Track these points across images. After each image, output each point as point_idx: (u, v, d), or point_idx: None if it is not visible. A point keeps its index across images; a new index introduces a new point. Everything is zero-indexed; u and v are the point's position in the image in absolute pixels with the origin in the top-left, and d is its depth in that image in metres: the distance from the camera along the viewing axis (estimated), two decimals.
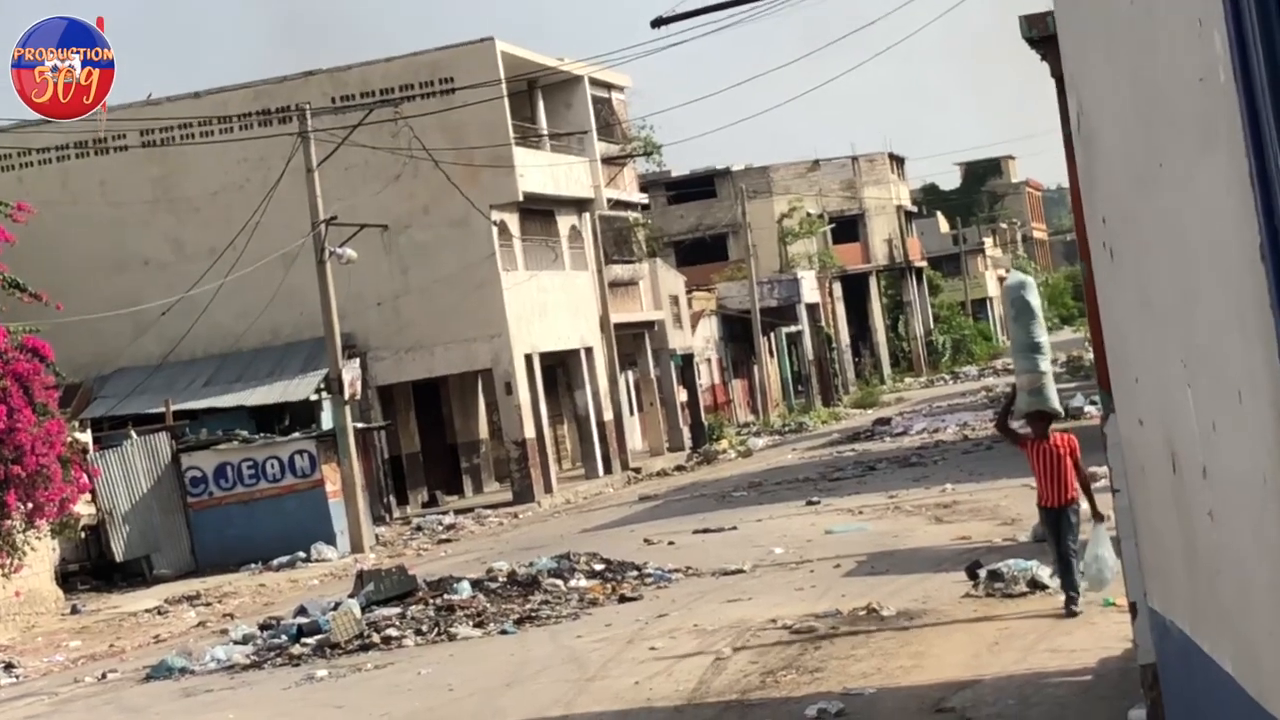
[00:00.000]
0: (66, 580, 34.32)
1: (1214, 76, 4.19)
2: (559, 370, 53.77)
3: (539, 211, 49.61)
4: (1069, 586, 17.09)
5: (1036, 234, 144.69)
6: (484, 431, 52.71)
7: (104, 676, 22.96)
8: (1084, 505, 17.35)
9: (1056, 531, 17.30)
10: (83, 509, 33.08)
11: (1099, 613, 16.49)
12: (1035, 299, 17.11)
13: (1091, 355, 57.44)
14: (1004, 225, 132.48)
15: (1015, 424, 18.21)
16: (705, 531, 30.45)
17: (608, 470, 50.81)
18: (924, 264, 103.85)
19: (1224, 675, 5.23)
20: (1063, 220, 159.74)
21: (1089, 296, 10.11)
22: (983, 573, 19.58)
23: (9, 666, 25.15)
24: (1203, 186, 4.47)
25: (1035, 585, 18.74)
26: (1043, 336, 16.95)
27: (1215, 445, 4.73)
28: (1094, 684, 14.04)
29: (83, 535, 34.80)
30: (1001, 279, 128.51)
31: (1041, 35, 13.44)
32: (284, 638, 22.73)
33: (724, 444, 57.24)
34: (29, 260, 35.39)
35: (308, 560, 35.54)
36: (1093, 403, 44.04)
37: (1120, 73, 5.61)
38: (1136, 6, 5.14)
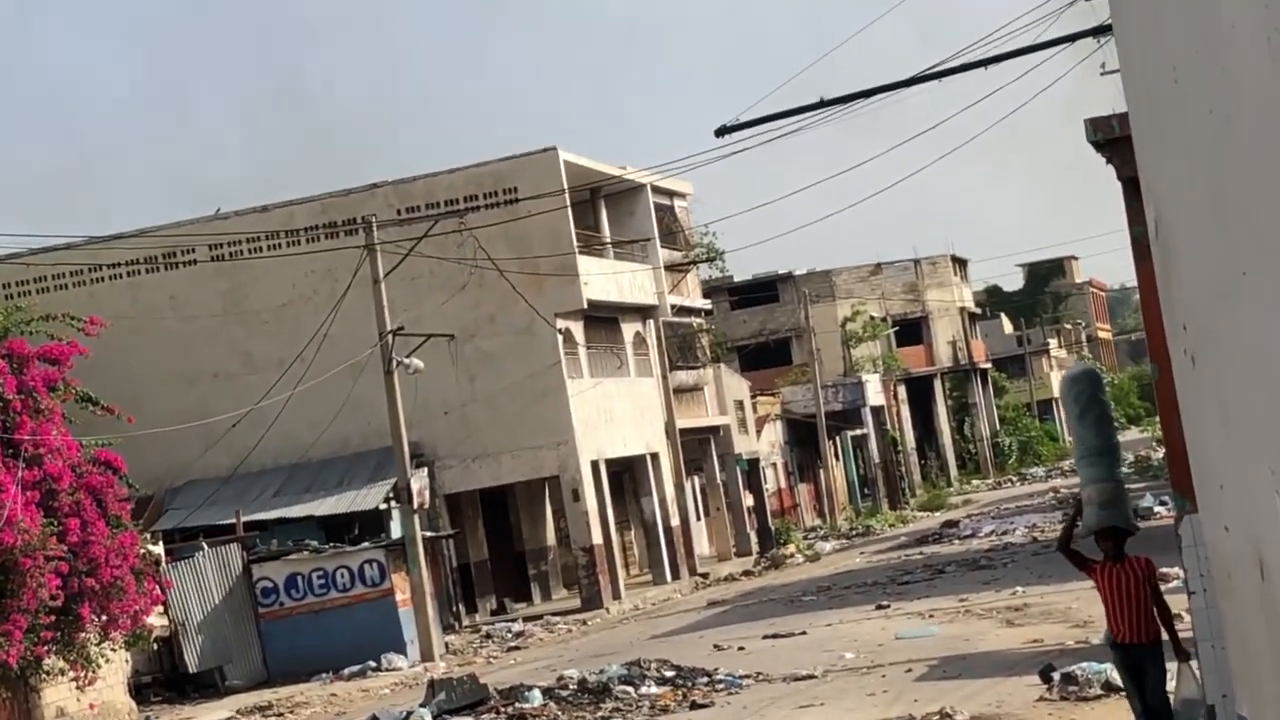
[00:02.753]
0: (140, 692, 34.38)
1: None
2: (625, 476, 53.80)
3: (603, 319, 49.81)
4: None
5: (1101, 334, 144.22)
6: (551, 538, 52.72)
7: None
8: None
9: (1138, 674, 14.29)
10: (155, 620, 33.19)
11: None
12: (1102, 393, 14.41)
13: (1160, 454, 56.76)
14: (1068, 326, 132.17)
15: (1080, 543, 14.97)
16: (775, 636, 30.37)
17: (675, 576, 50.71)
18: (988, 365, 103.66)
19: None
20: (1127, 320, 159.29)
21: (1161, 397, 10.15)
22: (1056, 676, 19.49)
23: None
24: None
25: (1110, 688, 18.62)
26: (1113, 437, 14.35)
27: None
28: None
29: (155, 647, 34.90)
30: None
31: (1107, 139, 13.53)
32: None
33: (791, 548, 57.05)
34: (101, 374, 35.72)
35: (378, 669, 35.56)
36: (1162, 503, 43.78)
37: (1200, 182, 5.66)
38: (1216, 117, 5.21)
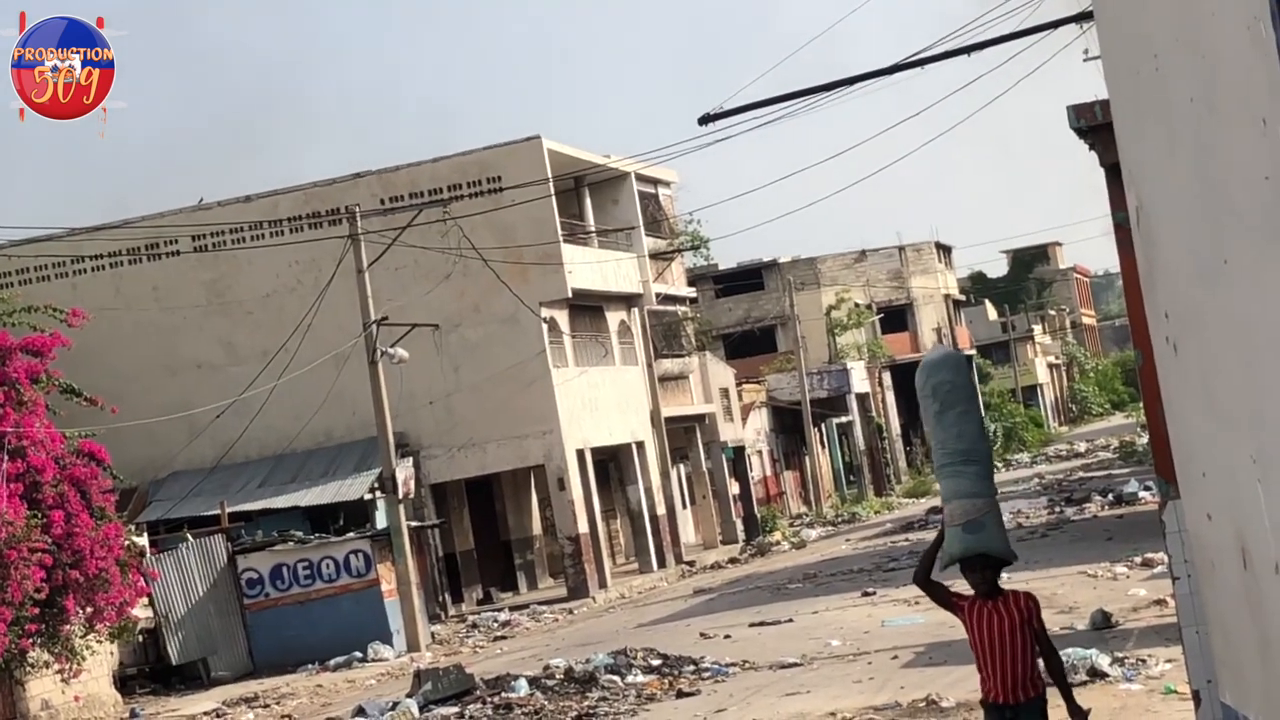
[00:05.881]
0: (125, 684, 34.35)
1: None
2: (611, 465, 53.79)
3: (588, 307, 49.78)
4: None
5: (1085, 319, 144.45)
6: (537, 527, 52.71)
7: None
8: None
9: None
10: (140, 612, 33.17)
11: (1161, 700, 16.35)
12: (967, 381, 11.50)
13: (1145, 440, 56.94)
14: (1052, 312, 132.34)
15: (942, 573, 11.31)
16: (761, 624, 30.36)
17: (661, 564, 50.72)
18: (973, 352, 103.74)
19: None
20: (1111, 305, 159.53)
21: (1144, 383, 10.14)
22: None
23: None
24: (1270, 281, 4.51)
25: (1095, 674, 18.64)
26: (982, 440, 11.15)
27: None
28: None
29: (140, 638, 34.89)
30: (1053, 365, 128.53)
31: (1090, 125, 13.51)
32: None
33: (777, 536, 57.10)
34: (84, 366, 35.66)
35: (364, 660, 35.53)
36: (1147, 488, 43.84)
37: (1181, 168, 5.65)
38: (1197, 104, 5.19)
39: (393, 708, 23.06)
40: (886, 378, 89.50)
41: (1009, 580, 30.21)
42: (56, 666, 28.65)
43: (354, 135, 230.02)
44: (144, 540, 36.15)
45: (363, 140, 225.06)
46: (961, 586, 11.14)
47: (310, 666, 35.43)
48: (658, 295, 54.94)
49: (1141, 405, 13.39)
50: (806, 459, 74.26)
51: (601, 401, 49.26)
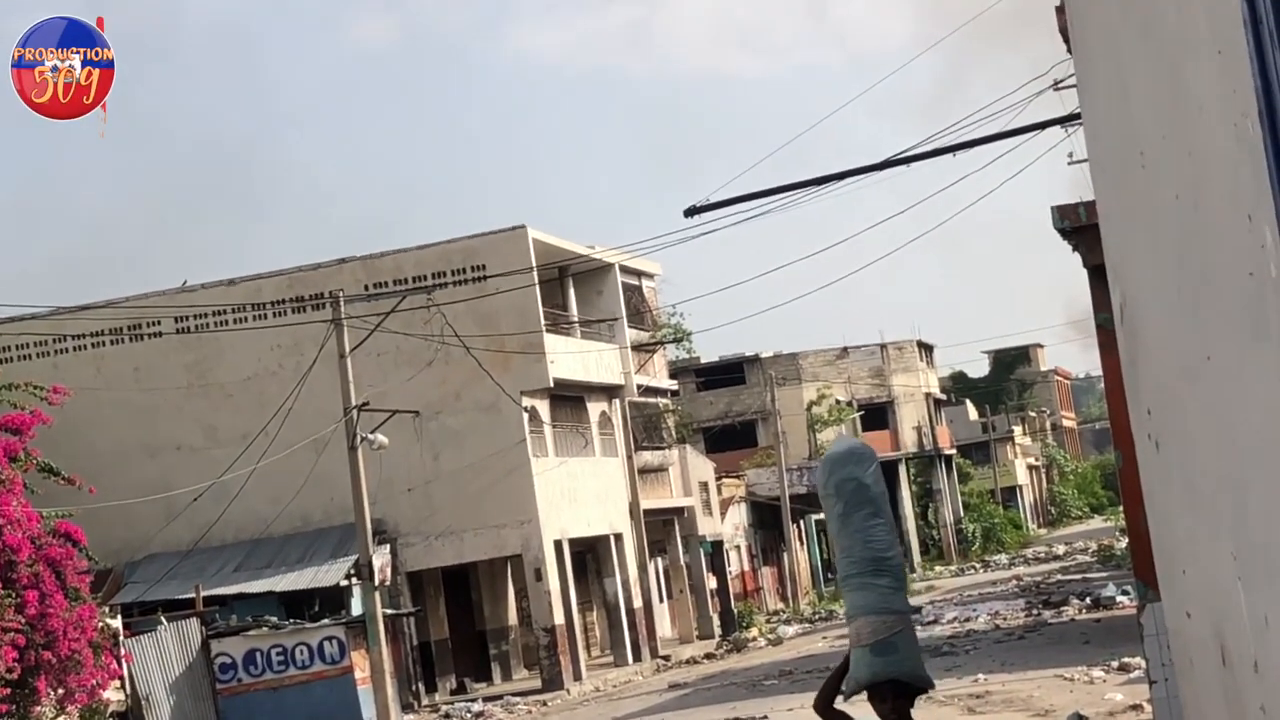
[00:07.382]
0: None
1: (1264, 270, 4.25)
2: (588, 556, 53.65)
3: (569, 398, 49.79)
4: None
5: (1065, 422, 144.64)
6: (513, 618, 52.50)
7: None
8: None
9: None
10: (111, 695, 32.92)
11: None
12: (876, 478, 9.45)
13: (1124, 544, 56.78)
14: (1033, 413, 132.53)
15: (848, 701, 8.94)
16: None
17: (637, 658, 50.50)
18: (953, 451, 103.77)
19: None
20: (1091, 408, 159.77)
21: (1125, 485, 10.15)
22: None
23: None
24: (1253, 378, 4.51)
25: None
26: (892, 546, 9.23)
27: (1267, 640, 4.73)
28: None
29: None
30: (1032, 467, 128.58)
31: (1074, 226, 13.57)
32: None
33: (754, 632, 56.93)
34: (63, 445, 35.55)
35: None
36: (1124, 592, 43.77)
37: (1166, 264, 5.67)
38: (1182, 201, 5.21)
39: None
40: None
41: (986, 682, 30.18)
42: None
43: (332, 222, 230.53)
44: (118, 622, 35.95)
45: (336, 227, 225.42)
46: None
47: None
48: (639, 387, 54.97)
49: (1121, 509, 13.36)
50: (785, 555, 74.10)
51: (580, 492, 49.19)
